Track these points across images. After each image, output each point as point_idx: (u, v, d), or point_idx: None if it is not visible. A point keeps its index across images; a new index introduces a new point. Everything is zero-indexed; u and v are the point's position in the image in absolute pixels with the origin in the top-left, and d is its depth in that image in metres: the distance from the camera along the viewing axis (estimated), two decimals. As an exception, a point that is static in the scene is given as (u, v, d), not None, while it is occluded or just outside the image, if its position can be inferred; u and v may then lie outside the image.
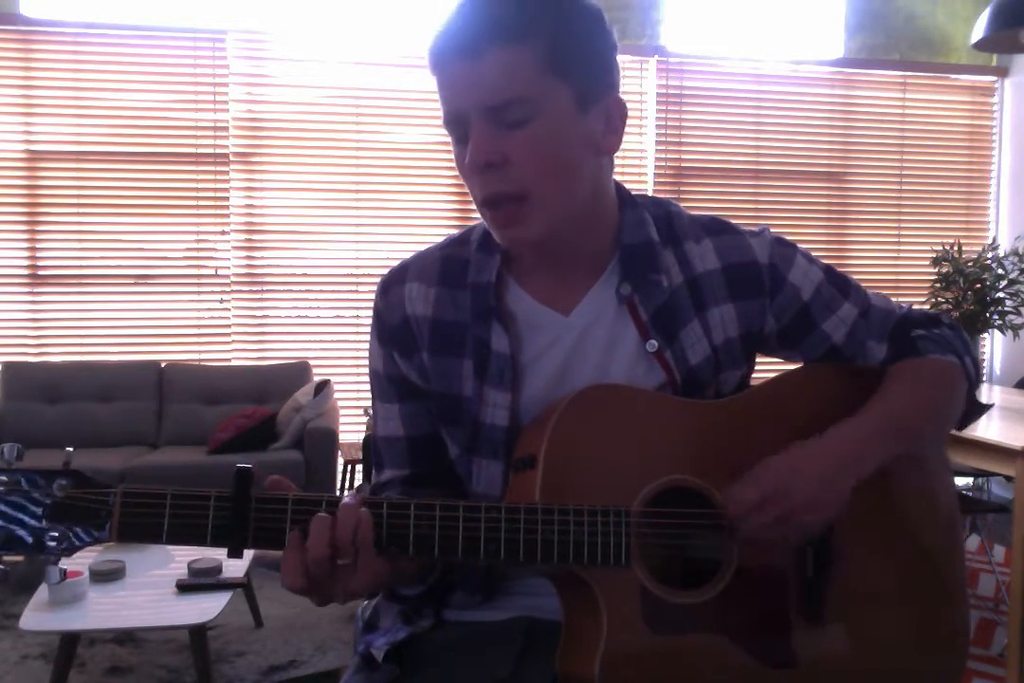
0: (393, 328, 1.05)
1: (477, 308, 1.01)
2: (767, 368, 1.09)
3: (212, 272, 4.42)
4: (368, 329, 1.10)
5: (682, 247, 1.02)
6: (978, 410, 1.11)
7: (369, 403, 1.14)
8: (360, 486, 4.00)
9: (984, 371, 5.00)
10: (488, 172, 0.90)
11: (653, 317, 0.99)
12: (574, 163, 0.92)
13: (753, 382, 1.10)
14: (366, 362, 1.10)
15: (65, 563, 0.82)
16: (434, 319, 1.02)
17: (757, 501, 0.89)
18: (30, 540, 0.80)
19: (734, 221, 1.08)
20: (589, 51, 0.91)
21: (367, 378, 1.11)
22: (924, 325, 1.09)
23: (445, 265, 1.04)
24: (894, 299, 1.13)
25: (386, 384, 1.07)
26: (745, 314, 1.02)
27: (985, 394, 3.47)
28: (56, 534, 0.81)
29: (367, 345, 1.10)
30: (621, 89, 0.96)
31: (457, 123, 0.91)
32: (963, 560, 1.09)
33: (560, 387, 0.99)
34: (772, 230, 1.08)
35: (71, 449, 0.89)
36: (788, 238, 1.09)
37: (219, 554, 2.53)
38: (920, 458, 1.06)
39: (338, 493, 3.99)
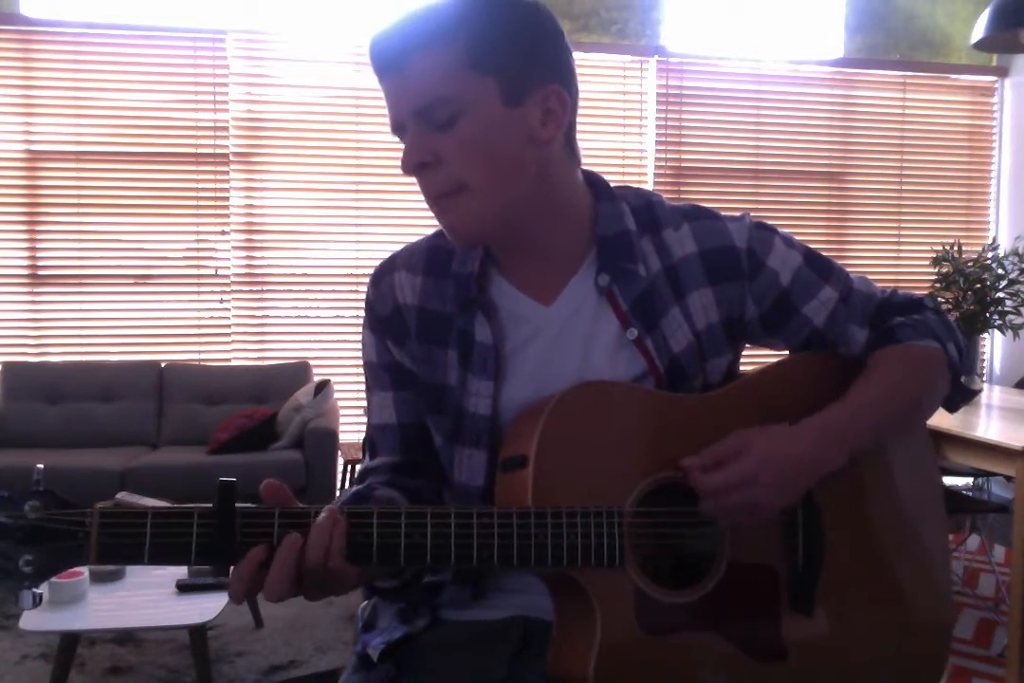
0: (385, 317, 1.06)
1: (460, 298, 1.02)
2: (753, 360, 1.08)
3: (212, 272, 4.42)
4: None
5: (661, 235, 1.03)
6: (966, 395, 1.11)
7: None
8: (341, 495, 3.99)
9: (984, 369, 5.00)
10: (425, 172, 0.93)
11: (632, 306, 1.00)
12: (509, 155, 0.92)
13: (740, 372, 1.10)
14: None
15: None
16: (420, 308, 1.04)
17: (722, 485, 0.89)
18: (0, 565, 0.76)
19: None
20: (514, 44, 0.91)
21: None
22: (906, 310, 1.09)
23: (431, 255, 1.06)
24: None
25: (380, 373, 1.08)
26: (724, 299, 1.02)
27: (985, 394, 3.47)
28: (30, 558, 0.76)
29: None
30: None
31: (398, 130, 0.95)
32: (947, 545, 1.11)
33: (542, 377, 0.99)
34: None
35: (41, 466, 0.83)
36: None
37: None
38: (902, 447, 1.06)
39: (337, 494, 4.01)
